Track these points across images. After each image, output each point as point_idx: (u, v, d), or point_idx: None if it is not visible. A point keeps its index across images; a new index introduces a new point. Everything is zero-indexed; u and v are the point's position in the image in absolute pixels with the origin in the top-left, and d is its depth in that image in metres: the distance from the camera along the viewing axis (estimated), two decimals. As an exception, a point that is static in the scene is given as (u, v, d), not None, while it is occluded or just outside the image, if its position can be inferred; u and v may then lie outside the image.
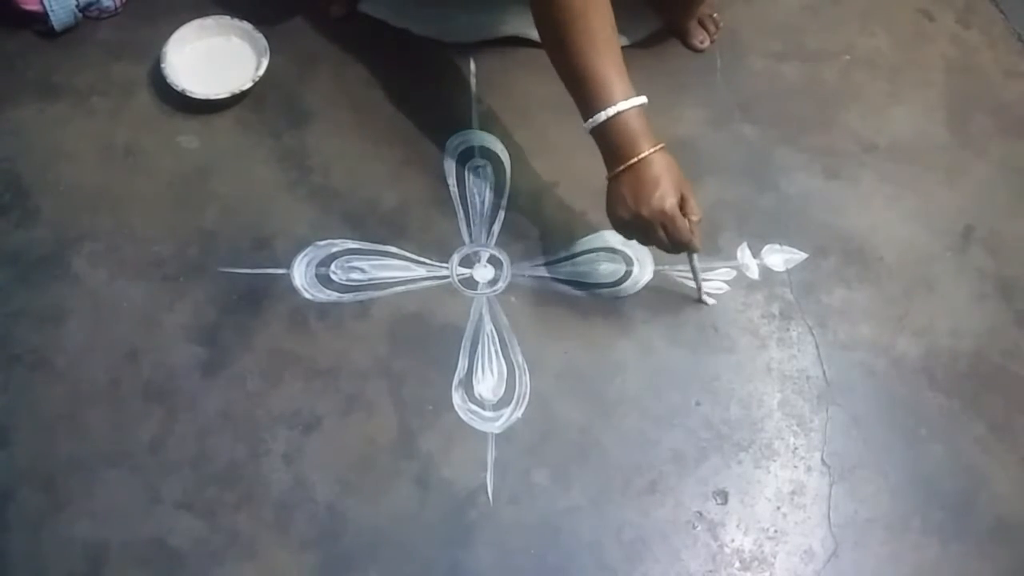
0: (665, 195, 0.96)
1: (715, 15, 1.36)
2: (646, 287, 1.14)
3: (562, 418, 1.04)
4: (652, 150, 0.96)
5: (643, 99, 0.97)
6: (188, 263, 1.12)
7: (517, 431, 1.03)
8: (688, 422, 1.05)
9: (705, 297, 1.13)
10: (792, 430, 1.06)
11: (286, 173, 1.20)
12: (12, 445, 0.99)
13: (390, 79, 1.29)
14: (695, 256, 1.06)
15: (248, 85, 1.23)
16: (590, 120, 0.97)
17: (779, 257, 1.18)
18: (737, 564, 0.97)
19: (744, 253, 1.18)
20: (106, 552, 0.94)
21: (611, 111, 0.95)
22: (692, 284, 1.12)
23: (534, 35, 1.30)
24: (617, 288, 1.14)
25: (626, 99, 0.96)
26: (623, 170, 0.97)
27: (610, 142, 0.97)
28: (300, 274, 1.12)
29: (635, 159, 0.96)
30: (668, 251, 1.03)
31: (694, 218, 0.99)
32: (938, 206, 1.24)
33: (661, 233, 0.99)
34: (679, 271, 1.16)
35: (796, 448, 1.05)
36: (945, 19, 1.44)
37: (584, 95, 0.98)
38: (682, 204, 0.99)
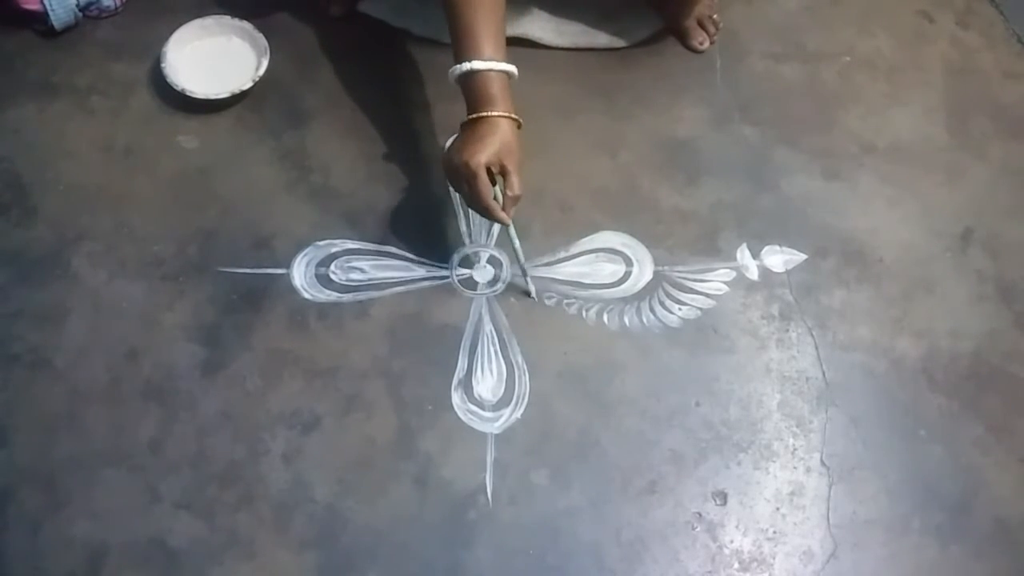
0: (478, 152, 0.98)
1: (715, 16, 1.36)
2: (646, 287, 1.15)
3: (561, 419, 1.04)
4: (498, 114, 0.99)
5: (508, 67, 1.00)
6: (188, 263, 1.12)
7: (516, 431, 1.03)
8: (687, 423, 1.05)
9: (531, 287, 1.12)
10: (791, 431, 1.06)
11: (286, 173, 1.20)
12: (11, 444, 0.99)
13: (390, 79, 1.29)
14: (514, 237, 1.06)
15: (248, 85, 1.23)
16: (450, 70, 1.01)
17: (779, 258, 1.18)
18: (736, 565, 0.97)
19: (744, 254, 1.18)
20: (105, 552, 0.94)
21: (465, 67, 0.99)
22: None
23: (534, 35, 1.31)
24: (617, 288, 1.14)
25: (486, 60, 0.99)
26: (467, 122, 1.01)
27: (465, 95, 1.01)
28: (300, 274, 1.12)
29: (477, 115, 0.99)
30: (471, 207, 1.04)
31: (510, 193, 1.00)
32: (937, 207, 1.24)
33: (465, 188, 1.01)
34: (678, 271, 1.16)
35: (795, 449, 1.05)
36: (945, 20, 1.44)
37: (455, 48, 1.01)
38: (504, 176, 1.00)
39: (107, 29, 1.30)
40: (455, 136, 1.03)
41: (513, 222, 1.04)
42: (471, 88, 1.00)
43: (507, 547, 0.97)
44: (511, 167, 0.99)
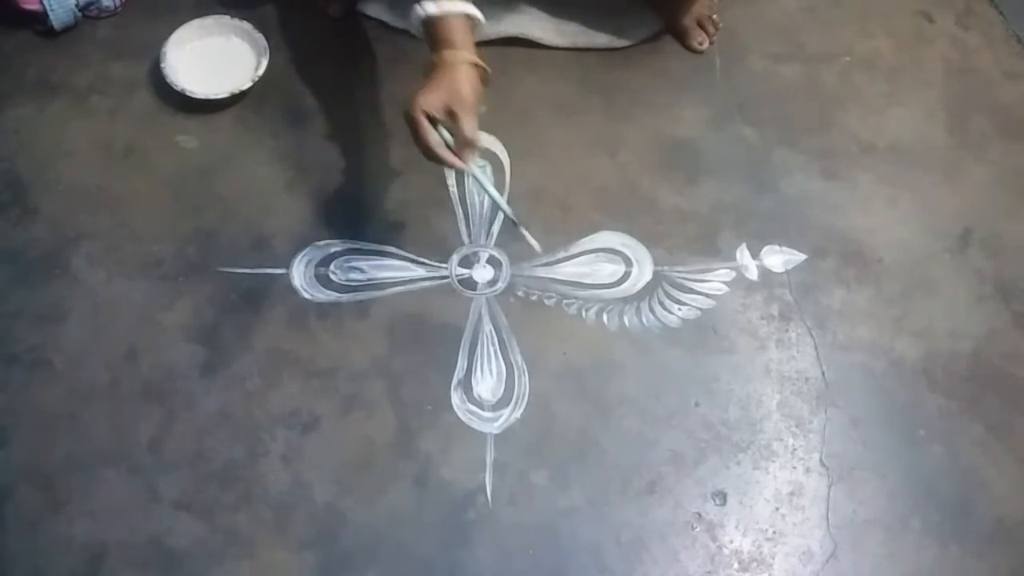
0: (420, 96, 0.95)
1: (714, 16, 1.36)
2: (646, 287, 1.15)
3: (561, 419, 1.04)
4: (450, 56, 0.96)
5: (466, 8, 0.97)
6: (187, 263, 1.12)
7: (516, 432, 1.03)
8: (687, 423, 1.05)
9: (524, 232, 1.03)
10: (791, 431, 1.06)
11: (286, 173, 1.20)
12: (11, 444, 0.99)
13: (390, 79, 1.29)
14: (488, 187, 1.02)
15: (248, 85, 1.23)
16: (410, 19, 0.99)
17: (778, 258, 1.18)
18: (736, 565, 0.97)
19: (743, 254, 1.18)
20: (104, 552, 0.94)
21: (420, 12, 0.96)
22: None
23: (534, 35, 1.31)
24: (617, 288, 1.14)
25: (442, 4, 0.96)
26: (430, 63, 0.98)
27: (427, 37, 0.99)
28: (299, 274, 1.12)
29: (434, 57, 0.97)
30: (432, 160, 0.98)
31: (460, 136, 0.95)
32: (937, 207, 1.24)
33: (412, 136, 0.97)
34: (678, 271, 1.16)
35: (795, 449, 1.05)
36: (944, 21, 1.44)
37: None
38: (453, 120, 0.95)
39: (107, 29, 1.30)
40: None
41: (488, 174, 0.99)
42: (430, 34, 0.98)
43: (506, 547, 0.97)
44: (460, 111, 0.94)
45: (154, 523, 0.96)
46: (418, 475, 1.00)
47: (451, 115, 0.95)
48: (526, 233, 1.03)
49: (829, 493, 1.02)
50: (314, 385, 1.05)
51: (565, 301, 1.13)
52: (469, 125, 0.95)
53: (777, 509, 1.01)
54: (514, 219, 1.03)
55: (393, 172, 1.21)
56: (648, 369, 1.09)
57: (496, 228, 1.18)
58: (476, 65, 0.97)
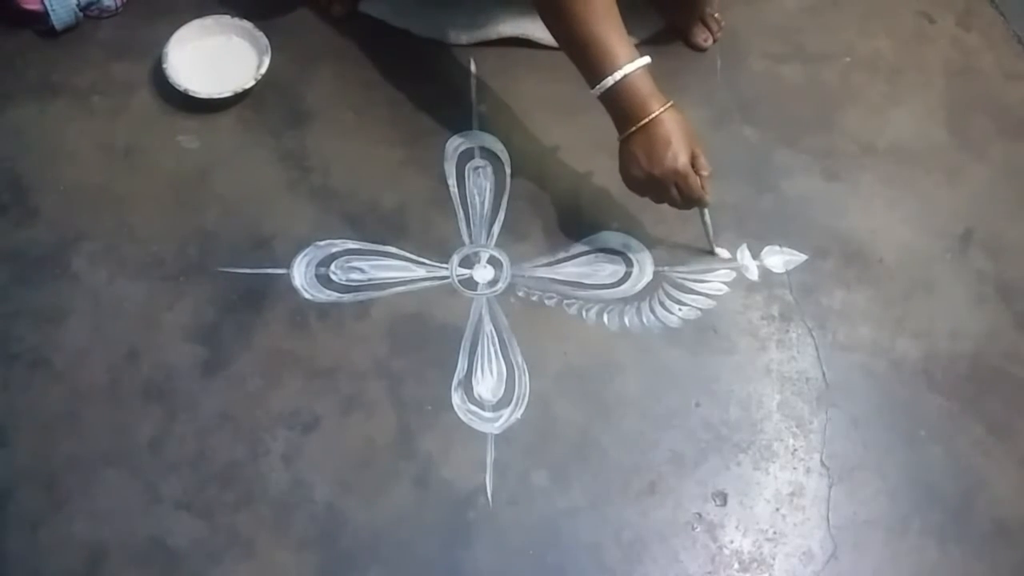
0: (677, 153, 0.99)
1: (716, 15, 1.36)
2: (646, 287, 1.15)
3: (561, 419, 1.04)
4: (661, 109, 0.99)
5: (647, 59, 1.00)
6: (188, 263, 1.12)
7: (516, 432, 1.03)
8: (687, 423, 1.05)
9: (718, 251, 1.16)
10: (791, 432, 1.06)
11: (286, 173, 1.20)
12: (11, 444, 0.99)
13: (390, 79, 1.29)
14: (706, 211, 1.10)
15: (250, 84, 1.23)
16: (598, 86, 1.00)
17: (779, 258, 1.18)
18: (736, 565, 0.97)
19: (744, 254, 1.18)
20: (105, 552, 0.94)
21: (618, 75, 0.98)
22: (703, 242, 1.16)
23: (534, 35, 1.31)
24: (617, 288, 1.14)
25: (630, 62, 0.98)
26: (634, 131, 1.00)
27: (619, 105, 1.00)
28: (300, 274, 1.12)
29: (645, 120, 0.98)
30: (680, 207, 1.06)
31: (704, 173, 1.02)
32: (938, 208, 1.24)
33: (674, 191, 1.02)
34: (678, 272, 1.16)
35: (795, 450, 1.05)
36: (945, 21, 1.44)
37: (589, 62, 1.00)
38: (692, 160, 1.01)
39: (108, 29, 1.30)
40: (623, 152, 1.04)
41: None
42: (622, 97, 0.99)
43: (507, 547, 0.96)
44: (698, 150, 1.01)
45: (154, 523, 0.96)
46: (418, 475, 1.00)
47: (691, 157, 1.02)
48: (720, 251, 1.16)
49: (829, 493, 1.02)
50: (314, 385, 1.05)
51: (566, 301, 1.13)
52: (706, 160, 1.02)
53: (777, 509, 1.01)
54: (713, 249, 1.16)
55: (393, 172, 1.21)
56: (648, 369, 1.09)
57: (496, 228, 1.18)
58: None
